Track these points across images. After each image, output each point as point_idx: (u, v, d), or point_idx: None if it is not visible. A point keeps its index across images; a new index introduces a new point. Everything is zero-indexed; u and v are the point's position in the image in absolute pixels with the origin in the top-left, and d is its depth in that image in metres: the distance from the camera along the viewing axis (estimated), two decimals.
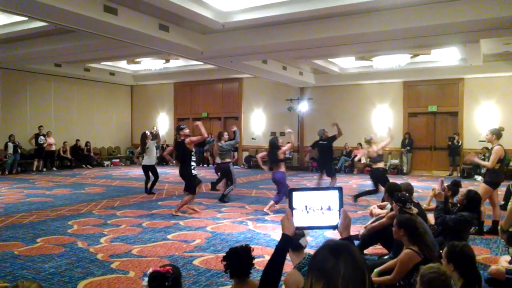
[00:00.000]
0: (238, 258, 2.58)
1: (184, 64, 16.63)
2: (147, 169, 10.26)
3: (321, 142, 9.97)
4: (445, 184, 5.44)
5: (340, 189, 1.86)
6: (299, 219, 1.82)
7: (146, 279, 2.31)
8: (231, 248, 2.69)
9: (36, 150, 15.64)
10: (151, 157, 10.32)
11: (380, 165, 8.65)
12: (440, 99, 15.63)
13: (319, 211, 1.82)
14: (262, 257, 5.01)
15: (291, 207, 1.82)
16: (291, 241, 1.84)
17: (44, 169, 15.95)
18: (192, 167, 7.78)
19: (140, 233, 6.37)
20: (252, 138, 18.63)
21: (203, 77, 18.21)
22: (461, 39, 9.89)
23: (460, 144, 14.83)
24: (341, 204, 1.84)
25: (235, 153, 10.13)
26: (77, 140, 17.91)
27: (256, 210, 8.25)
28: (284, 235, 1.83)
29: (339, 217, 1.82)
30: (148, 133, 10.68)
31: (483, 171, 7.39)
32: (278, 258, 1.86)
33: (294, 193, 1.84)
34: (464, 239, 4.35)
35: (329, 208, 1.82)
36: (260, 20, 9.34)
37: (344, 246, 1.37)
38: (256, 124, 18.62)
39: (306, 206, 1.82)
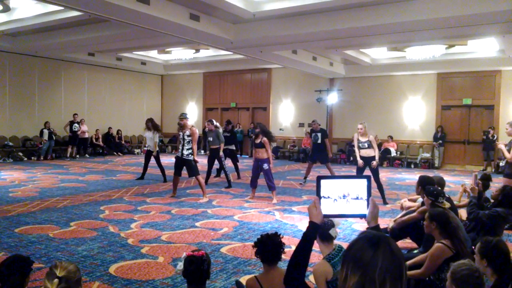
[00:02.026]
0: (269, 243, 2.68)
1: (214, 54, 16.67)
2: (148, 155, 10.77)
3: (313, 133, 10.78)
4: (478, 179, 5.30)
5: (368, 178, 1.83)
6: (327, 207, 1.80)
7: (180, 263, 2.35)
8: (263, 234, 2.77)
9: (70, 137, 16.12)
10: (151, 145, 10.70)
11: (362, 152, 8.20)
12: (475, 91, 15.12)
13: (347, 199, 1.79)
14: (289, 247, 4.99)
15: (319, 195, 1.80)
16: (318, 229, 1.82)
17: (77, 156, 16.42)
18: (180, 152, 8.18)
19: (169, 219, 6.49)
20: (280, 129, 18.59)
21: (232, 67, 18.23)
22: (499, 29, 9.51)
23: (495, 138, 14.34)
24: (370, 193, 1.81)
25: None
26: (109, 128, 18.35)
27: (283, 200, 8.25)
28: (311, 223, 1.81)
29: (367, 206, 1.80)
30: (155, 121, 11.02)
31: (501, 164, 7.18)
32: (305, 245, 1.84)
33: (322, 181, 1.81)
34: (497, 236, 4.22)
35: (357, 197, 1.80)
36: (291, 10, 9.24)
37: (383, 238, 1.33)
38: (284, 115, 18.55)
39: (334, 194, 1.80)
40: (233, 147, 11.53)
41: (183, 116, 8.27)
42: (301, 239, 1.85)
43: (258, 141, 8.24)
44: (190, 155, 8.11)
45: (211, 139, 10.11)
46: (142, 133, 20.14)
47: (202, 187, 8.19)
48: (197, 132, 8.35)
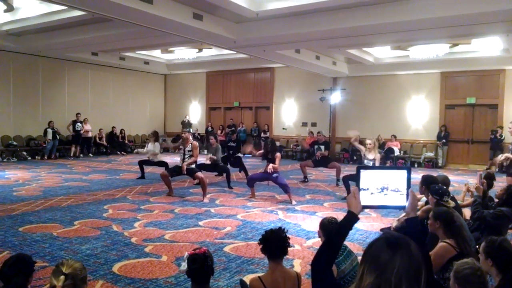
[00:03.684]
0: (274, 239, 2.69)
1: (217, 53, 16.69)
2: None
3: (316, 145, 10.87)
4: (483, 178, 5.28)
5: (408, 169, 1.83)
6: (365, 199, 1.79)
7: (184, 263, 2.35)
8: (267, 230, 2.80)
9: (73, 136, 16.15)
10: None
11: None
12: (479, 91, 15.07)
13: (385, 192, 1.80)
14: (292, 246, 5.01)
15: (358, 186, 1.80)
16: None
17: (81, 155, 16.45)
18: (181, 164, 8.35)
19: (172, 219, 6.49)
20: (283, 128, 18.58)
21: (235, 66, 18.23)
22: (504, 28, 9.46)
23: (503, 138, 14.26)
24: (409, 184, 1.82)
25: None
26: (113, 127, 18.38)
27: (286, 200, 8.24)
28: (349, 212, 1.78)
29: (407, 198, 1.80)
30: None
31: (505, 163, 7.13)
32: (340, 231, 1.81)
33: (362, 172, 1.81)
34: (502, 235, 4.20)
35: (396, 189, 1.81)
36: (294, 9, 9.23)
37: (403, 240, 1.32)
38: (287, 114, 18.53)
39: (372, 187, 1.80)
40: (239, 155, 11.62)
41: (186, 130, 8.49)
42: (338, 225, 1.84)
43: (270, 156, 8.27)
44: (191, 164, 8.27)
45: (211, 155, 10.17)
46: (145, 132, 20.35)
47: (203, 187, 8.19)
48: (198, 146, 8.42)
